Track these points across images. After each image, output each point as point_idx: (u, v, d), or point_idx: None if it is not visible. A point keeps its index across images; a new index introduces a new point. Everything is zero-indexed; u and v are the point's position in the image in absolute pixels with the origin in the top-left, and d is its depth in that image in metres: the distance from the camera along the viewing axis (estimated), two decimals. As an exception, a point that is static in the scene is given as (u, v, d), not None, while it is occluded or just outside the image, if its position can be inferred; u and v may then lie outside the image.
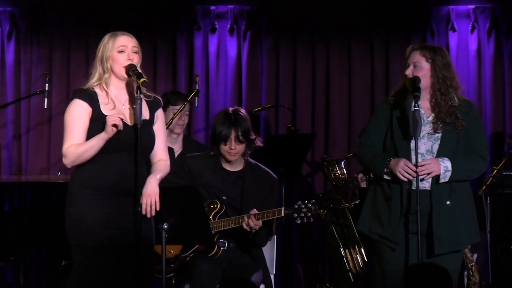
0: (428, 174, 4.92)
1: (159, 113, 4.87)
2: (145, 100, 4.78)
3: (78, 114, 4.70)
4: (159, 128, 4.85)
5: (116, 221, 4.66)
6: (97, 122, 4.68)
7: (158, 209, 4.66)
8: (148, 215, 4.65)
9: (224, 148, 5.70)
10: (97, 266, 4.63)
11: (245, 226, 5.54)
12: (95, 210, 4.65)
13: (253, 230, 5.55)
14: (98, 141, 4.63)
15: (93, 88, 4.74)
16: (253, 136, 5.74)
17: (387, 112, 5.10)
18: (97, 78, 4.75)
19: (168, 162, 4.86)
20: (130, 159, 4.69)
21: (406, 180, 4.93)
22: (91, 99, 4.70)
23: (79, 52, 7.84)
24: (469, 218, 5.06)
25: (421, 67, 4.99)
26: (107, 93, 4.74)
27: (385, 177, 5.01)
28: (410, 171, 4.90)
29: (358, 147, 5.24)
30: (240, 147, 5.70)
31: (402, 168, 4.91)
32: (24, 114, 7.83)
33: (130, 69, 4.69)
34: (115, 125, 4.58)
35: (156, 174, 4.74)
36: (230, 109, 5.80)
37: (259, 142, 5.81)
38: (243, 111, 5.81)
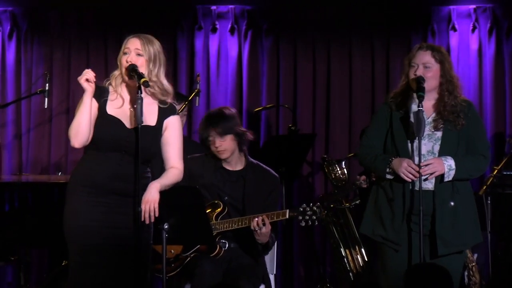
0: (432, 173, 4.92)
1: (171, 120, 4.82)
2: (159, 107, 4.78)
3: (84, 105, 4.68)
4: (170, 135, 4.80)
5: (108, 220, 4.66)
6: (101, 119, 4.68)
7: (157, 215, 4.65)
8: (147, 221, 4.63)
9: (212, 149, 5.71)
10: (90, 264, 4.62)
11: (253, 226, 5.52)
12: (86, 208, 4.64)
13: (258, 231, 5.52)
14: (83, 102, 4.63)
15: (108, 85, 4.77)
16: (238, 130, 5.71)
17: (387, 114, 5.10)
18: (115, 76, 4.78)
19: (181, 170, 4.83)
20: (123, 160, 4.68)
21: (410, 180, 4.93)
22: (101, 95, 4.70)
23: (79, 52, 7.84)
24: (472, 218, 5.06)
25: (430, 68, 4.99)
26: (116, 91, 4.75)
27: (388, 176, 5.01)
28: (413, 172, 4.89)
29: (359, 149, 5.24)
30: (226, 143, 5.67)
31: (406, 169, 4.90)
32: (25, 114, 7.84)
33: (131, 69, 4.70)
34: (87, 80, 4.62)
35: (158, 180, 4.72)
36: (212, 110, 5.84)
37: (249, 135, 5.79)
38: (225, 108, 5.79)
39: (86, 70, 4.66)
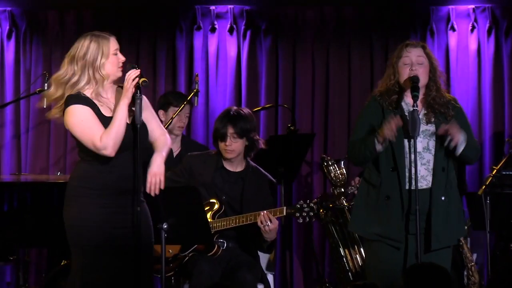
0: (452, 140, 4.89)
1: (144, 100, 4.79)
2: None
3: (88, 113, 4.65)
4: (148, 114, 4.80)
5: (116, 221, 4.66)
6: (103, 123, 4.65)
7: (162, 187, 4.64)
8: (152, 194, 4.64)
9: (220, 145, 5.71)
10: (98, 266, 4.62)
11: (260, 222, 5.53)
12: (96, 210, 4.64)
13: (266, 227, 5.52)
14: (122, 110, 4.61)
15: (83, 94, 4.69)
16: (254, 136, 5.73)
17: (377, 110, 5.05)
18: (86, 83, 4.67)
19: (167, 135, 4.86)
20: (128, 159, 4.68)
21: (392, 133, 4.86)
22: (89, 103, 4.67)
23: (78, 52, 7.83)
24: (460, 213, 5.11)
25: (423, 64, 5.01)
26: (98, 96, 4.71)
27: (378, 147, 4.91)
28: (391, 123, 4.86)
29: (348, 147, 5.16)
30: (236, 145, 5.68)
31: (386, 126, 4.87)
32: (24, 114, 7.83)
33: (129, 69, 4.69)
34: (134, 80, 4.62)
35: (161, 151, 4.73)
36: (233, 107, 5.82)
37: (261, 144, 5.81)
38: (246, 110, 5.81)
39: (136, 71, 4.65)
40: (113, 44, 4.72)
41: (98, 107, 4.67)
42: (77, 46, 4.71)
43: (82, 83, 4.68)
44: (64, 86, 4.69)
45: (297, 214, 5.53)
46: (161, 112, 6.66)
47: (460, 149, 4.95)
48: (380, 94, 5.08)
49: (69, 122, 4.66)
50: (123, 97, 4.62)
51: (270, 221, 5.51)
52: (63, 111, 4.68)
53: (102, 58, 4.67)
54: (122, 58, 4.73)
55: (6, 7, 7.82)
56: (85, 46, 4.68)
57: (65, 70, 4.72)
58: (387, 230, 4.97)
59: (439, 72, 5.06)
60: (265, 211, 5.51)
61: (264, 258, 5.85)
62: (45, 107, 7.17)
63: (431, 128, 5.00)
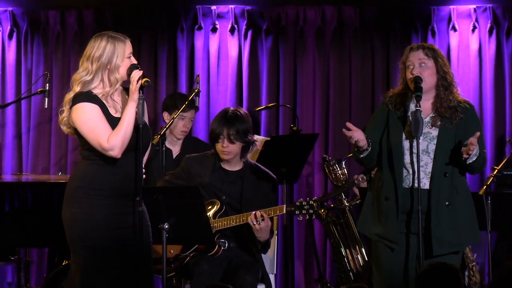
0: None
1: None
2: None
3: (96, 113, 4.65)
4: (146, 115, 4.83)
5: (120, 221, 4.68)
6: (111, 123, 4.66)
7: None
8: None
9: (217, 146, 5.71)
10: (100, 266, 4.63)
11: (251, 221, 5.53)
12: (102, 211, 4.65)
13: (257, 226, 5.52)
14: (130, 112, 4.60)
15: (93, 92, 4.69)
16: (250, 138, 5.72)
17: (384, 113, 5.08)
18: (99, 83, 4.68)
19: None
20: (133, 159, 4.69)
21: (358, 141, 4.89)
22: (98, 102, 4.67)
23: (80, 52, 7.79)
24: (470, 218, 5.05)
25: (426, 65, 5.00)
26: (108, 97, 4.72)
27: (357, 154, 4.97)
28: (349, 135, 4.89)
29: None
30: (233, 147, 5.68)
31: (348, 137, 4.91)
32: (25, 114, 7.83)
33: (132, 69, 4.69)
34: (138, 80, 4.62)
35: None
36: (230, 108, 5.81)
37: (257, 146, 5.81)
38: (242, 111, 5.81)
39: (139, 72, 4.65)
40: (128, 47, 4.71)
41: (106, 107, 4.67)
42: (93, 46, 4.71)
43: (95, 83, 4.69)
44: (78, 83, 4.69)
45: (297, 212, 5.53)
46: (165, 114, 6.66)
47: (471, 160, 4.91)
48: (391, 95, 5.10)
49: (76, 119, 4.65)
50: (130, 99, 4.62)
51: (262, 220, 5.51)
52: (70, 108, 4.68)
53: (117, 61, 4.66)
54: (134, 62, 4.72)
55: (7, 7, 7.82)
56: (101, 47, 4.68)
57: (83, 69, 4.71)
58: (384, 231, 4.98)
59: (445, 72, 5.01)
60: (257, 212, 5.51)
61: (266, 258, 5.85)
62: (46, 107, 7.27)
63: (434, 132, 4.99)
